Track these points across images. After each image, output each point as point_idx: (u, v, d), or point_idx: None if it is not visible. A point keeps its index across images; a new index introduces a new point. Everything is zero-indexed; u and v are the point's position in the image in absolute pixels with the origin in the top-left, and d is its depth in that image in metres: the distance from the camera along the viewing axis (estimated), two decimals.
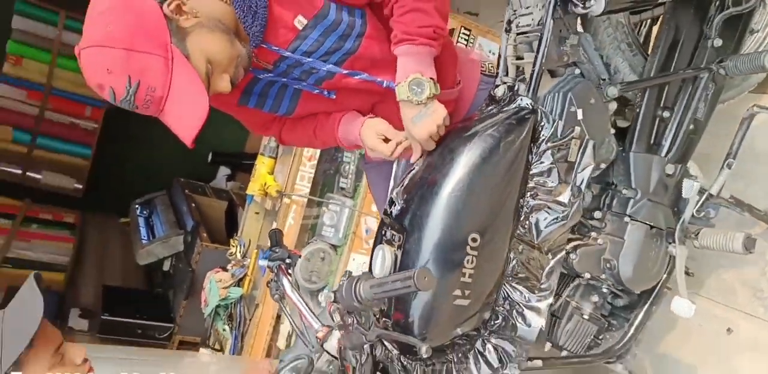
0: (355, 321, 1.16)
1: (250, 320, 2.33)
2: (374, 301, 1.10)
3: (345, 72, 1.30)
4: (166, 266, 3.86)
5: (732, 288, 1.72)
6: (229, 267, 2.56)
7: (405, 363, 1.31)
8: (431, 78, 1.23)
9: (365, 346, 1.22)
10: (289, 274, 1.41)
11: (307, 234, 2.50)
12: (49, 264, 4.29)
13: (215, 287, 2.43)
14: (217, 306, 2.42)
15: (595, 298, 1.45)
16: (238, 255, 2.56)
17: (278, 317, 2.29)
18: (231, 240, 2.71)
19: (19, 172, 5.19)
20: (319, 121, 1.45)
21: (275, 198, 2.42)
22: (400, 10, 1.23)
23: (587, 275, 1.41)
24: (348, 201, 2.38)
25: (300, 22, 1.22)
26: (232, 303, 2.42)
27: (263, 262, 1.47)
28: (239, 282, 2.49)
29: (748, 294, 1.67)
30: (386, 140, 1.32)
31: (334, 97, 1.35)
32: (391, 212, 1.30)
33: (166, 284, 3.87)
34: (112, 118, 5.35)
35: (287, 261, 1.43)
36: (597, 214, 1.44)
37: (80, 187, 5.38)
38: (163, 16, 1.09)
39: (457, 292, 1.21)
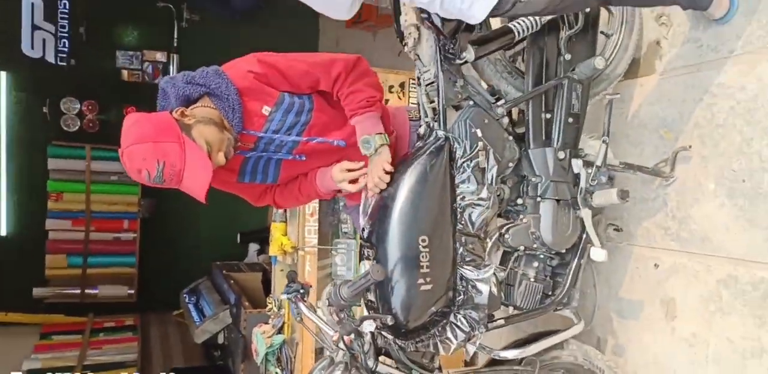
0: (346, 315, 1.57)
1: (295, 357, 2.71)
2: (353, 297, 1.52)
3: (305, 139, 1.75)
4: (221, 339, 4.28)
5: (650, 232, 2.07)
6: (269, 320, 2.98)
7: (400, 343, 1.69)
8: (378, 133, 1.67)
9: (366, 337, 1.61)
10: (304, 300, 1.78)
11: (327, 278, 2.93)
12: (121, 363, 4.76)
13: (261, 339, 2.83)
14: (266, 354, 2.81)
15: (535, 264, 1.85)
16: (275, 309, 2.97)
17: (317, 350, 2.68)
18: (267, 299, 3.13)
19: (78, 291, 5.78)
20: (300, 182, 1.89)
21: (292, 254, 2.86)
22: (343, 95, 1.71)
23: (522, 247, 1.81)
24: (352, 242, 2.79)
25: (266, 109, 1.68)
26: (278, 348, 2.81)
27: (283, 296, 1.86)
28: (280, 330, 2.89)
29: (662, 233, 2.04)
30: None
31: (305, 159, 1.80)
32: (363, 236, 1.73)
33: (224, 355, 4.30)
34: (146, 225, 6.01)
35: (301, 291, 1.80)
36: (519, 201, 1.85)
37: (132, 292, 5.93)
38: (173, 119, 1.58)
39: (421, 280, 1.60)
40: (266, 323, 2.98)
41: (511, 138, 1.83)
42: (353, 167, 1.75)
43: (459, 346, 1.70)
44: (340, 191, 1.86)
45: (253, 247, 5.46)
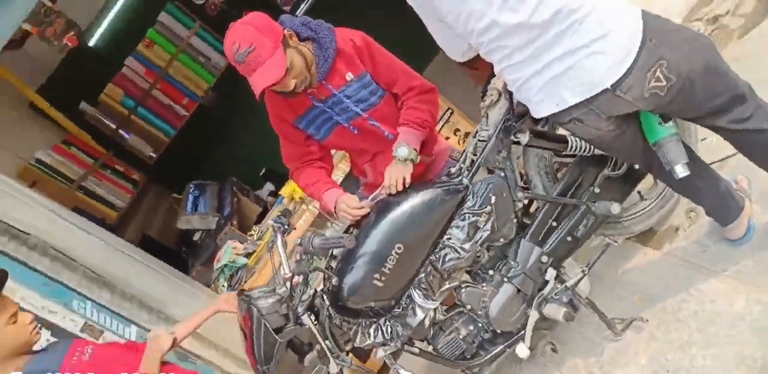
0: (305, 259, 1.91)
1: (245, 282, 3.11)
2: (319, 249, 1.87)
3: (366, 115, 2.13)
4: (196, 237, 4.71)
5: (577, 368, 2.26)
6: (245, 243, 3.39)
7: (331, 312, 2.03)
8: (414, 149, 2.04)
9: (310, 290, 1.99)
10: (284, 235, 2.07)
11: None
12: (109, 202, 5.23)
13: (229, 251, 3.24)
14: (225, 266, 3.22)
15: (471, 327, 2.11)
16: (255, 237, 3.38)
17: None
18: (254, 227, 3.54)
19: (114, 127, 6.23)
20: (316, 185, 2.20)
21: (298, 203, 3.23)
22: (406, 106, 2.11)
23: (469, 306, 2.08)
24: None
25: (349, 76, 2.09)
26: (236, 268, 3.22)
27: (270, 222, 2.26)
28: (248, 256, 3.29)
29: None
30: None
31: (356, 133, 2.17)
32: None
33: (191, 251, 4.73)
34: (201, 113, 6.40)
35: (286, 227, 2.09)
36: (490, 272, 2.13)
37: (154, 156, 6.38)
38: (283, 32, 1.94)
39: (377, 276, 1.91)
40: (241, 243, 3.39)
41: (515, 220, 2.10)
42: (357, 207, 2.03)
43: (372, 345, 2.01)
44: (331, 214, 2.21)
45: (269, 187, 5.83)
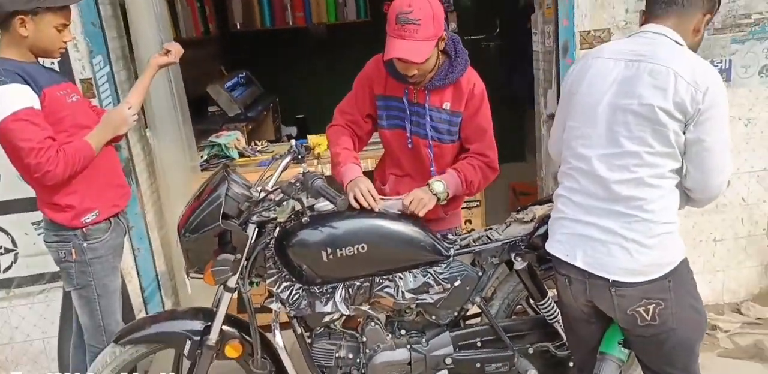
0: (295, 188, 1.98)
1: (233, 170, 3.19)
2: (313, 192, 1.94)
3: (430, 142, 2.29)
4: (211, 109, 4.78)
5: None
6: (247, 145, 3.47)
7: (271, 244, 2.09)
8: (447, 193, 2.19)
9: (270, 215, 2.11)
10: (298, 158, 2.24)
11: None
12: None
13: (233, 138, 3.32)
14: (219, 145, 3.29)
15: (350, 355, 2.17)
16: (258, 147, 3.46)
17: None
18: (259, 141, 3.62)
19: None
20: (346, 152, 2.27)
21: (316, 158, 3.30)
22: (468, 161, 2.28)
23: (364, 339, 2.18)
24: None
25: (447, 105, 2.26)
26: (224, 155, 3.30)
27: (293, 142, 2.31)
28: (241, 155, 3.37)
29: None
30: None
31: (410, 146, 2.32)
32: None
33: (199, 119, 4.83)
34: (300, 33, 6.26)
35: (300, 156, 2.26)
36: (403, 331, 2.23)
37: (239, 26, 6.25)
38: (443, 30, 2.09)
39: (329, 250, 2.00)
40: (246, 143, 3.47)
41: (455, 314, 2.22)
42: (371, 197, 2.09)
43: (274, 295, 2.10)
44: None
45: (293, 130, 5.90)
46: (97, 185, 2.20)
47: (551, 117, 3.17)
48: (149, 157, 3.04)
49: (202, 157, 3.35)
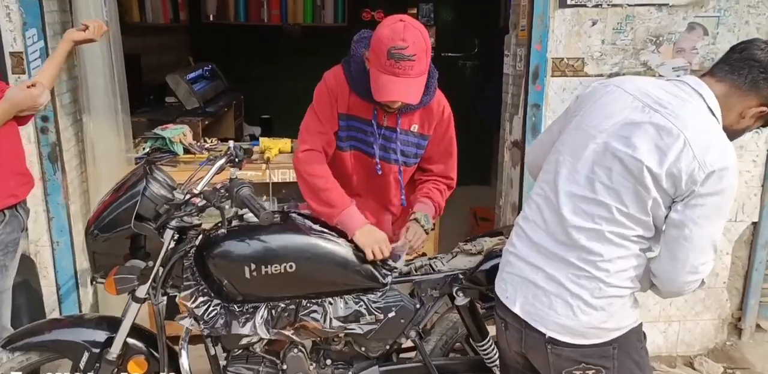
0: (219, 195, 1.78)
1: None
2: (238, 201, 1.74)
3: (400, 167, 2.17)
4: (168, 100, 4.55)
5: None
6: (195, 142, 3.24)
7: (190, 253, 1.90)
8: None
9: (192, 221, 1.90)
10: (228, 164, 2.05)
11: None
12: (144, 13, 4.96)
13: (179, 132, 3.09)
14: (163, 138, 3.06)
15: None
16: (206, 145, 3.24)
17: None
18: (211, 139, 3.40)
19: None
20: (337, 191, 2.06)
21: (265, 161, 3.10)
22: (434, 185, 2.25)
23: (284, 367, 1.98)
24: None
25: (415, 127, 2.15)
26: (167, 149, 3.07)
27: (231, 144, 2.12)
28: (185, 152, 3.14)
29: None
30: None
31: (380, 172, 2.17)
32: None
33: (151, 102, 4.61)
34: (273, 31, 6.02)
35: (237, 160, 2.06)
36: (329, 361, 2.05)
37: (212, 19, 6.01)
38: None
39: (253, 267, 1.82)
40: (192, 139, 3.24)
41: (387, 347, 2.03)
42: (386, 252, 1.98)
43: (187, 309, 1.88)
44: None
45: (255, 130, 5.68)
46: None
47: (515, 144, 3.04)
48: (81, 144, 2.79)
49: (144, 149, 3.11)
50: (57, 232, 2.69)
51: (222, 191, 1.79)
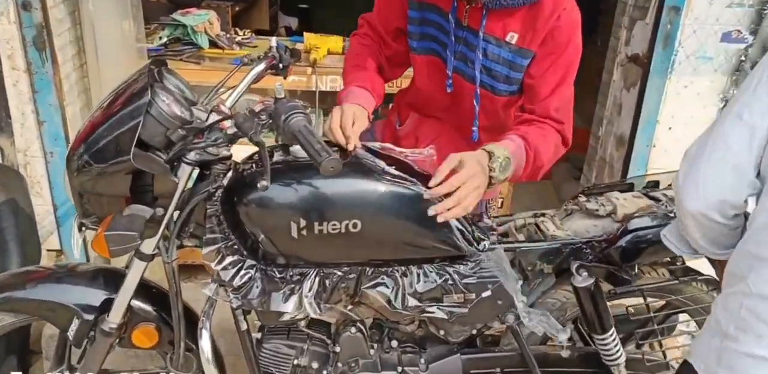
0: (258, 122, 1.21)
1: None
2: (289, 132, 1.16)
3: (477, 89, 1.52)
4: None
5: None
6: (223, 33, 2.59)
7: (218, 197, 1.36)
8: (508, 172, 1.38)
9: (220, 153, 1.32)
10: (269, 70, 1.55)
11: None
12: None
13: (204, 18, 2.43)
14: (185, 26, 2.41)
15: (315, 365, 1.52)
16: (238, 38, 2.60)
17: None
18: (241, 30, 2.74)
19: None
20: (359, 70, 1.58)
21: (315, 62, 2.47)
22: (534, 126, 1.48)
23: (337, 349, 1.51)
24: None
25: (512, 37, 1.46)
26: (188, 40, 2.44)
27: (274, 41, 1.58)
28: (212, 44, 2.51)
29: None
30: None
31: (450, 89, 1.57)
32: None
33: None
34: None
35: (282, 64, 1.56)
36: (394, 342, 1.56)
37: None
38: None
39: (303, 223, 1.29)
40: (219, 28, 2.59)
41: (473, 331, 1.53)
42: (346, 131, 1.37)
43: (213, 271, 1.37)
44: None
45: (292, 21, 4.92)
46: None
47: (634, 59, 2.34)
48: (79, 28, 2.16)
49: (161, 38, 2.48)
50: (50, 140, 2.15)
51: (263, 117, 1.20)
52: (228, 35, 2.60)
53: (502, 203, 2.81)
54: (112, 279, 1.46)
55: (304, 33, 2.60)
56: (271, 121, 1.20)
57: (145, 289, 1.50)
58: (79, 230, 1.37)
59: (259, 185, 1.17)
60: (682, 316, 1.74)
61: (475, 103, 1.55)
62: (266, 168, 1.16)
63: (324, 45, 2.50)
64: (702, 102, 2.27)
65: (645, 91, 2.23)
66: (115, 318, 1.42)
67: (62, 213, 2.29)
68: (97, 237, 1.20)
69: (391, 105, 1.91)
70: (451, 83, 1.57)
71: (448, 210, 1.29)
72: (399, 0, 1.56)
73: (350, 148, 1.35)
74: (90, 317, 1.43)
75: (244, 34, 2.68)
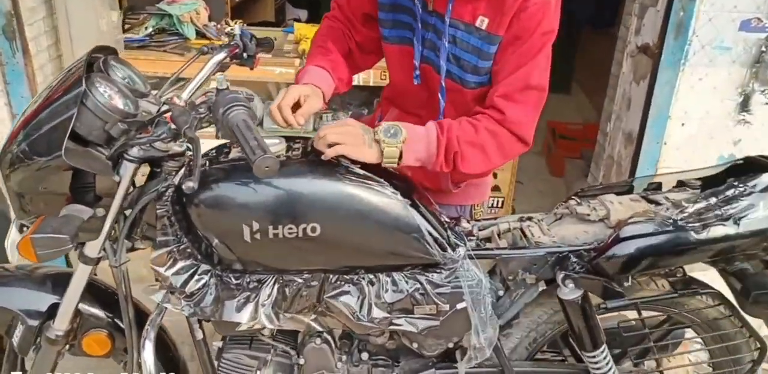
0: (197, 115, 1.13)
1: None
2: (227, 127, 1.07)
3: (442, 79, 1.39)
4: None
5: None
6: (214, 24, 2.49)
7: (168, 196, 1.26)
8: (400, 149, 1.25)
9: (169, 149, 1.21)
10: (232, 59, 1.45)
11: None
12: None
13: (192, 6, 2.34)
14: (171, 16, 2.31)
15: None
16: (225, 28, 2.50)
17: None
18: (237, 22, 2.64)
19: None
20: (320, 49, 1.48)
21: (300, 52, 2.38)
22: (474, 123, 1.32)
23: (302, 361, 1.41)
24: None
25: (482, 22, 1.32)
26: (173, 30, 2.34)
27: (237, 29, 1.48)
28: (200, 36, 2.41)
29: None
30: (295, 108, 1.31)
31: (418, 80, 1.45)
32: None
33: None
34: None
35: (245, 53, 1.46)
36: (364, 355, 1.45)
37: None
38: None
39: (256, 227, 1.19)
40: (210, 19, 2.48)
41: (449, 344, 1.40)
42: (288, 110, 1.29)
43: (163, 278, 1.28)
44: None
45: (302, 13, 4.81)
46: None
47: (644, 50, 2.18)
48: (54, 18, 2.07)
49: (146, 29, 2.38)
50: None
51: (201, 110, 1.08)
52: (218, 26, 2.50)
53: (502, 203, 2.66)
54: (62, 282, 1.37)
55: (295, 23, 2.49)
56: (209, 113, 1.09)
57: (97, 294, 1.40)
58: (20, 231, 1.27)
59: (184, 186, 1.05)
60: (689, 332, 1.59)
61: (440, 97, 1.42)
62: (196, 167, 1.05)
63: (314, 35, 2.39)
64: (719, 96, 2.10)
65: (655, 84, 2.07)
66: (60, 324, 1.33)
67: None
68: (22, 240, 1.10)
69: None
70: (418, 75, 1.45)
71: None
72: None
73: (293, 127, 1.28)
74: (34, 323, 1.34)
75: (233, 24, 2.57)
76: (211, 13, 2.57)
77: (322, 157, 1.21)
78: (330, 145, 1.21)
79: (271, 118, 1.29)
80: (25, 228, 1.27)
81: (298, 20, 4.75)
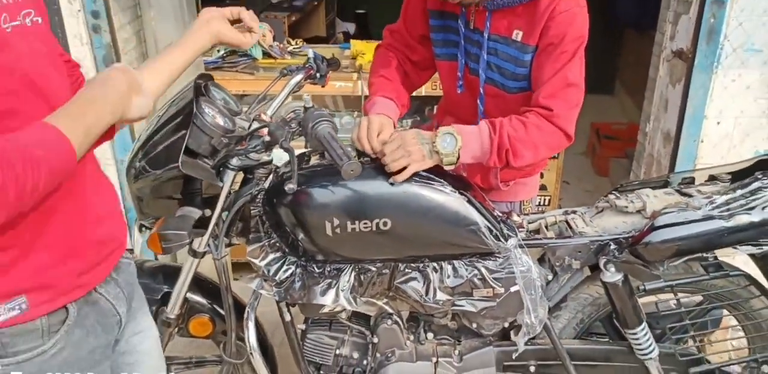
0: (289, 130, 1.35)
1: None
2: (317, 139, 1.29)
3: (482, 86, 1.60)
4: None
5: None
6: (278, 43, 2.74)
7: (259, 197, 1.48)
8: (457, 154, 1.43)
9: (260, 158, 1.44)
10: (307, 79, 1.64)
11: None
12: None
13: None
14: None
15: (354, 355, 1.64)
16: (290, 47, 2.73)
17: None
18: (294, 40, 2.88)
19: None
20: (383, 80, 1.66)
21: (357, 67, 2.59)
22: (523, 120, 1.48)
23: (375, 340, 1.62)
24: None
25: (517, 35, 1.52)
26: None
27: (311, 52, 1.70)
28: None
29: None
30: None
31: (461, 90, 1.66)
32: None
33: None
34: None
35: (318, 73, 1.65)
36: (428, 335, 1.66)
37: None
38: None
39: (336, 222, 1.40)
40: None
41: (504, 323, 1.59)
42: (379, 137, 1.46)
43: (257, 267, 1.52)
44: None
45: (350, 26, 5.06)
46: (55, 236, 1.01)
47: (679, 54, 2.31)
48: (144, 45, 2.35)
49: (218, 51, 2.65)
50: (120, 149, 2.35)
51: (293, 125, 1.31)
52: (281, 45, 2.75)
53: (549, 201, 2.83)
54: (171, 275, 1.62)
55: (351, 40, 2.72)
56: (299, 128, 1.31)
57: (200, 284, 1.64)
58: (140, 231, 1.52)
59: (286, 187, 1.28)
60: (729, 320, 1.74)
61: (479, 102, 1.62)
62: (294, 172, 1.27)
63: (370, 51, 2.59)
64: (752, 95, 2.22)
65: (690, 87, 2.20)
66: (172, 309, 1.57)
67: (132, 216, 2.48)
68: (151, 236, 1.34)
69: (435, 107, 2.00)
70: (461, 84, 1.66)
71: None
72: (420, 10, 1.66)
73: (377, 154, 1.45)
74: (152, 308, 1.58)
75: (296, 44, 2.83)
76: (273, 33, 2.81)
77: (393, 180, 1.40)
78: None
79: (358, 145, 1.48)
80: (144, 228, 1.53)
81: (347, 33, 5.01)
